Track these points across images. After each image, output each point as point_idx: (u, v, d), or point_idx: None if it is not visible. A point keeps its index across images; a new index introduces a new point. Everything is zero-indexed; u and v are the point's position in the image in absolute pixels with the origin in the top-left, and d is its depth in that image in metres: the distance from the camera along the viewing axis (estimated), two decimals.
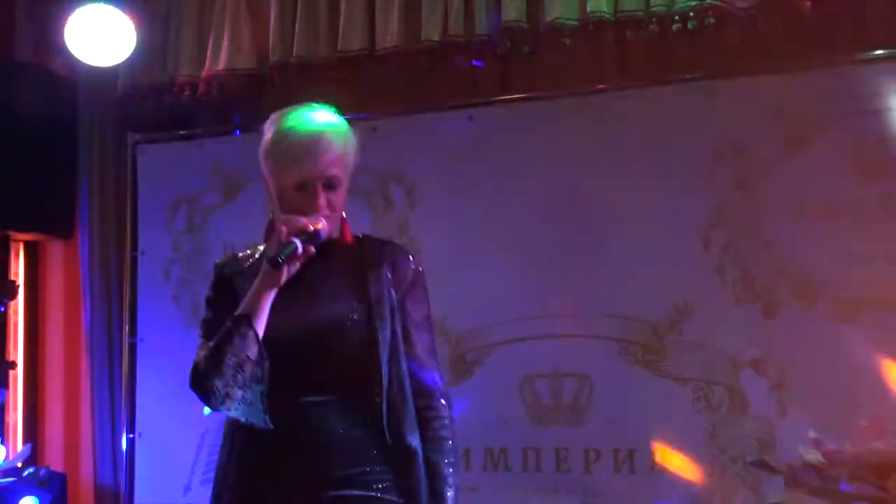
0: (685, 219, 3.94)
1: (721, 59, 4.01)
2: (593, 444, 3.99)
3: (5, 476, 4.47)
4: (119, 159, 4.93)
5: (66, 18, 4.49)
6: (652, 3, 3.93)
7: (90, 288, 4.91)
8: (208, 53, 4.61)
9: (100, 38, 4.52)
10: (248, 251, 2.42)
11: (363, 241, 2.41)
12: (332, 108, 2.35)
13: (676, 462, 3.87)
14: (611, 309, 4.01)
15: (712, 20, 3.88)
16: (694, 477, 3.84)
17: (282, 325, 2.24)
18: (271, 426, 2.21)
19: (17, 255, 5.11)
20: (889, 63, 3.76)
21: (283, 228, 2.20)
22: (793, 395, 3.73)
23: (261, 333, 2.21)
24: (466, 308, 4.13)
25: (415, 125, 4.40)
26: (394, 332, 2.31)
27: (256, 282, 2.24)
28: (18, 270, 5.10)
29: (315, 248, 2.22)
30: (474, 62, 4.26)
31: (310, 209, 2.25)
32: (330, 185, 2.28)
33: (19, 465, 4.58)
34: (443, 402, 2.36)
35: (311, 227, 2.21)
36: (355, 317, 2.29)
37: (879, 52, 3.79)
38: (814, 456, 2.48)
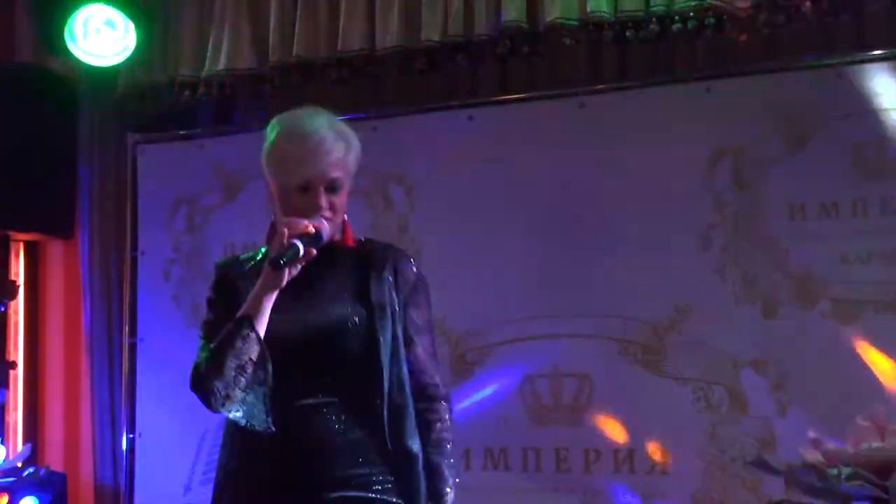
0: (685, 219, 3.94)
1: (721, 59, 4.02)
2: (593, 444, 3.99)
3: (5, 476, 4.46)
4: (119, 159, 4.92)
5: (66, 18, 4.49)
6: (652, 3, 3.93)
7: (90, 288, 4.91)
8: (208, 53, 4.61)
9: (100, 38, 4.52)
10: (250, 253, 2.42)
11: (365, 244, 2.42)
12: (334, 111, 2.36)
13: (676, 462, 3.88)
14: (611, 309, 4.00)
15: (712, 20, 3.88)
16: (694, 477, 3.84)
17: (283, 327, 2.24)
18: (273, 428, 2.21)
19: (17, 255, 5.11)
20: (889, 63, 3.76)
21: (285, 230, 2.19)
22: (793, 395, 3.73)
23: (262, 335, 2.21)
24: (466, 308, 4.13)
25: (414, 125, 4.40)
26: (395, 336, 2.31)
27: (258, 283, 2.23)
28: (18, 270, 5.09)
29: (317, 251, 2.22)
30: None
31: (312, 211, 2.25)
32: (332, 187, 2.28)
33: (19, 465, 4.57)
34: (444, 404, 2.38)
35: (313, 230, 2.21)
36: (356, 319, 2.29)
37: (879, 52, 3.79)
38: (814, 456, 2.47)
